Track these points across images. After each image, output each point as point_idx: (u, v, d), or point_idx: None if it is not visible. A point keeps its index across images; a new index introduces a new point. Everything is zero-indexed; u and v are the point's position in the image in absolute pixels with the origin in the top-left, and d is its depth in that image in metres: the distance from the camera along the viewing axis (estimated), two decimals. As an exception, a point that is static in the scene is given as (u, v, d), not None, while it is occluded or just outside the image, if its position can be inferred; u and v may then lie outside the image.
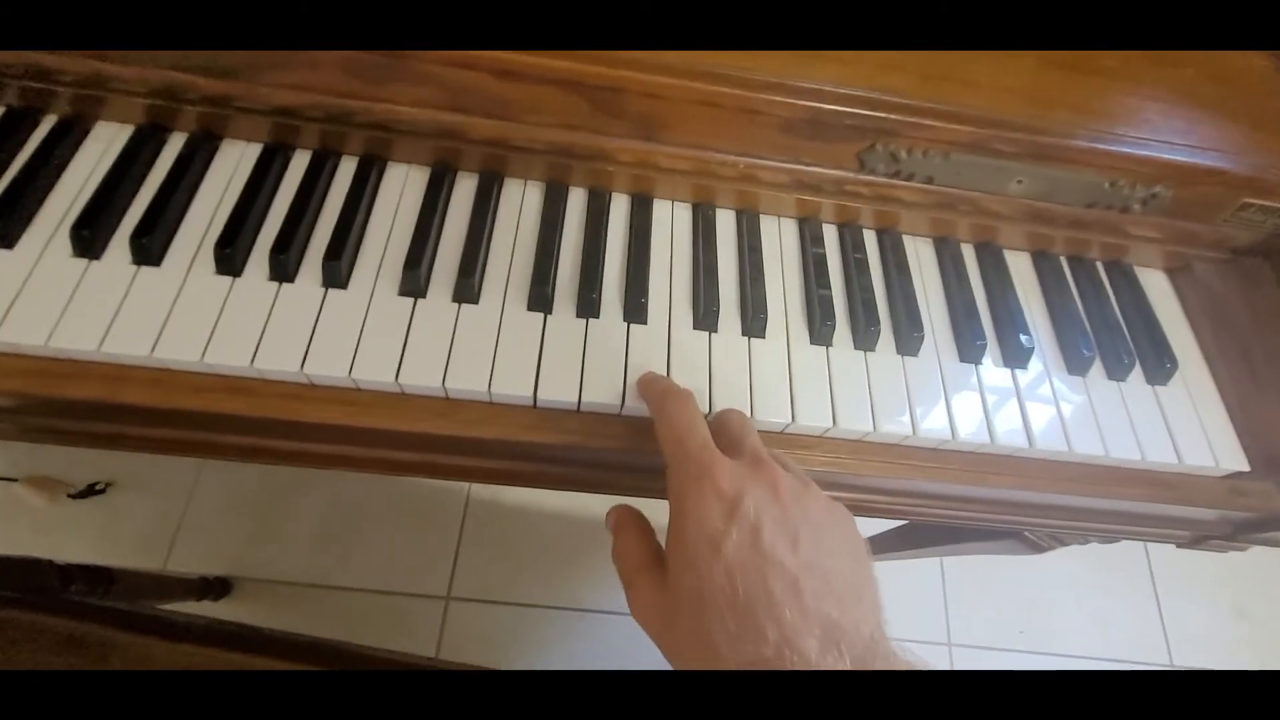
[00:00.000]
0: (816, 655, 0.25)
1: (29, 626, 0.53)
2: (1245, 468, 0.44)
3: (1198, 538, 0.51)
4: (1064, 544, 0.64)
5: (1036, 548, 0.66)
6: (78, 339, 0.36)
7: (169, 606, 0.80)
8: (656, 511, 0.32)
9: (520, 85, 0.39)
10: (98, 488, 1.09)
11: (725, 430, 0.34)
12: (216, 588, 1.03)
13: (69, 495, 1.08)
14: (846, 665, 0.25)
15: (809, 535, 0.29)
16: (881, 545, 0.91)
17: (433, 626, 1.09)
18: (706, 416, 0.36)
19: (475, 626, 1.10)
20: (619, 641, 1.10)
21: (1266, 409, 0.45)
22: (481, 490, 1.19)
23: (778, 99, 0.39)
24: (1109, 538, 0.57)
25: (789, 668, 0.25)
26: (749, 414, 0.40)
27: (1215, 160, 0.43)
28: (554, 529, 1.18)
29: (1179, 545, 0.53)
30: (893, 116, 0.40)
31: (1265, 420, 0.45)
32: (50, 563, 0.67)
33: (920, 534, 0.83)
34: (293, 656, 0.55)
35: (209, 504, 1.13)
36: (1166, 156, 0.42)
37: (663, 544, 0.32)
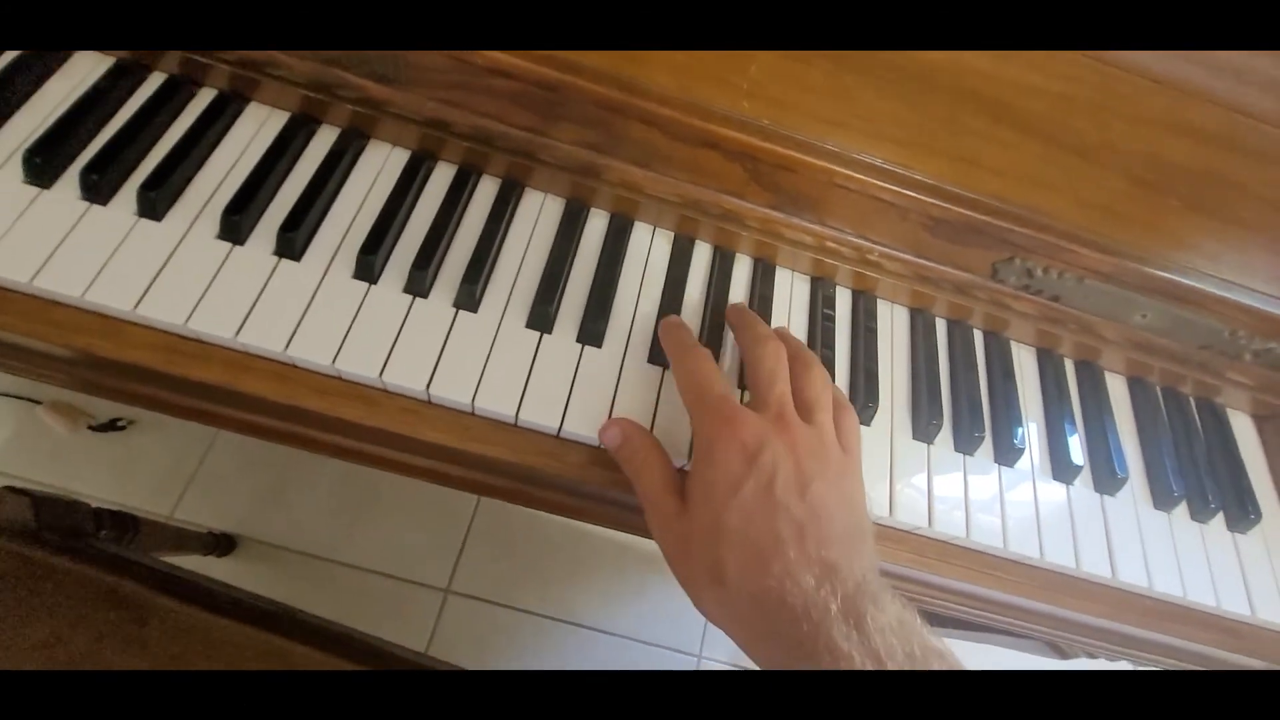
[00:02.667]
0: (813, 588, 0.29)
1: (74, 576, 0.52)
2: (1315, 626, 0.44)
3: (1240, 682, 0.52)
4: (1094, 657, 0.64)
5: (1063, 654, 0.67)
6: (217, 325, 0.36)
7: (175, 559, 0.80)
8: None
9: (686, 146, 0.40)
10: (119, 423, 1.09)
11: (757, 372, 0.37)
12: (223, 544, 1.03)
13: (89, 427, 1.07)
14: (838, 601, 0.29)
15: (818, 488, 0.32)
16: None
17: (428, 618, 1.09)
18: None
19: (470, 624, 1.10)
20: (611, 661, 1.10)
21: (1340, 572, 0.46)
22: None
23: (934, 201, 0.40)
24: (1146, 663, 0.57)
25: (788, 596, 0.29)
26: None
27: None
28: (560, 537, 1.17)
29: (1218, 684, 0.54)
30: (1042, 237, 0.40)
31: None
32: (86, 505, 0.67)
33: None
34: (327, 648, 0.55)
35: (226, 457, 1.12)
36: (1293, 318, 0.43)
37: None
